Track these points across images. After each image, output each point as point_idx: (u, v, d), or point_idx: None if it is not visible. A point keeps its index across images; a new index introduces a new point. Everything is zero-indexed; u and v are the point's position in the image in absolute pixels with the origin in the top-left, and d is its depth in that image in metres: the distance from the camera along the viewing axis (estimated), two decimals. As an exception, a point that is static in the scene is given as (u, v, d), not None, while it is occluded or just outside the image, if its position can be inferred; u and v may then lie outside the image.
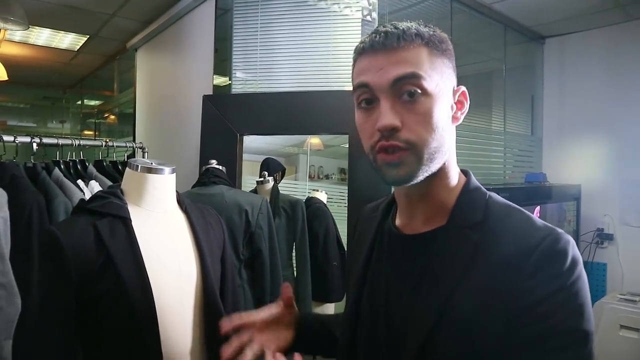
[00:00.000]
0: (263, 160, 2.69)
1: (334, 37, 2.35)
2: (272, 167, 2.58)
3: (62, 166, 1.97)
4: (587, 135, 3.35)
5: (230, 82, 2.51)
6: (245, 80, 2.52)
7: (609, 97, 3.24)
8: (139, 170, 1.11)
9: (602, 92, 3.28)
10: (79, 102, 7.15)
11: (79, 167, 2.04)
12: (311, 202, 2.54)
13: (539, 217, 2.47)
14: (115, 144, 2.18)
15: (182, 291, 1.08)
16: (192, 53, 2.86)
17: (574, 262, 0.65)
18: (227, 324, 0.87)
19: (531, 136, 3.60)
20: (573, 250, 0.66)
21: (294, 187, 3.28)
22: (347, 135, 2.18)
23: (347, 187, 2.17)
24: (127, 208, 1.07)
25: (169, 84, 3.14)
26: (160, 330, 1.02)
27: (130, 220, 1.05)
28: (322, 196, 2.74)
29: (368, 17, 2.32)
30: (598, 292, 3.22)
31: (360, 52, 0.74)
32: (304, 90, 2.26)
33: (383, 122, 0.69)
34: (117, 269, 0.99)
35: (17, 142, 1.84)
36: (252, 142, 2.49)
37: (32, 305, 1.58)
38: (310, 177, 3.88)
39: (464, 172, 0.80)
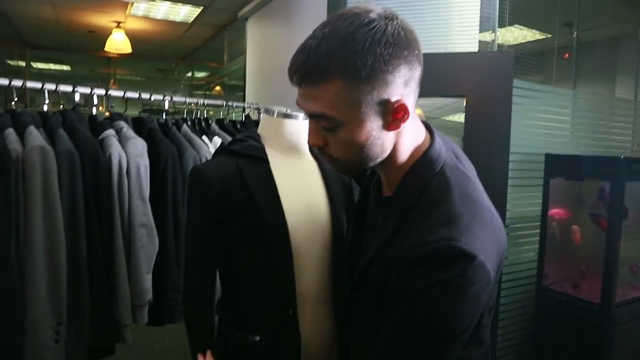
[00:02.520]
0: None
1: (450, -2, 2.26)
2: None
3: (188, 123, 2.13)
4: None
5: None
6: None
7: None
8: (275, 116, 1.16)
9: None
10: (189, 74, 7.62)
11: (203, 124, 2.18)
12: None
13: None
14: (234, 104, 2.29)
15: (314, 231, 1.12)
16: (303, 21, 2.91)
17: (442, 269, 0.68)
18: None
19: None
20: (448, 260, 0.68)
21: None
22: (464, 97, 2.10)
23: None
24: (265, 150, 1.12)
25: (280, 50, 3.22)
26: (294, 266, 1.07)
27: (269, 162, 1.10)
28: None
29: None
30: None
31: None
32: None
33: (308, 140, 0.79)
34: (256, 205, 1.05)
35: (152, 99, 2.00)
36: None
37: (168, 245, 1.74)
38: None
39: (431, 134, 0.83)
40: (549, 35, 3.57)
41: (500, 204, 1.99)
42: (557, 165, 2.32)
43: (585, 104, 2.69)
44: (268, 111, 1.18)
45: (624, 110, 2.99)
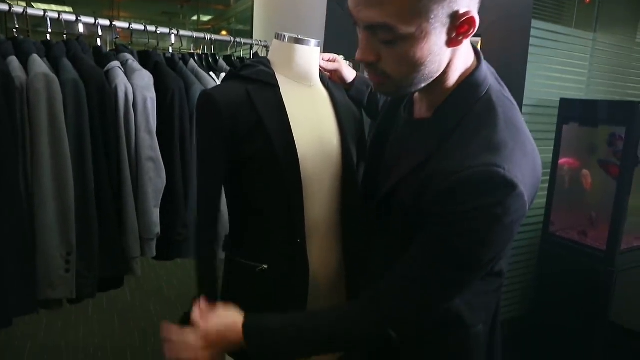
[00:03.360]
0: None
1: None
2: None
3: (196, 59, 2.07)
4: None
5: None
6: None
7: None
8: (286, 41, 1.11)
9: None
10: (195, 18, 7.42)
11: (210, 60, 2.12)
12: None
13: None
14: (242, 41, 2.22)
15: (324, 161, 1.10)
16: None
17: (480, 195, 0.66)
18: None
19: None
20: (487, 187, 0.66)
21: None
22: (479, 38, 2.03)
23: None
24: (275, 76, 1.09)
25: (289, -12, 3.10)
26: (303, 195, 1.06)
27: (279, 88, 1.07)
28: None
29: None
30: None
31: None
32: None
33: (357, 55, 0.72)
34: (266, 130, 1.03)
35: (158, 32, 1.94)
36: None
37: (176, 180, 1.74)
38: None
39: (477, 56, 0.78)
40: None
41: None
42: (571, 111, 2.27)
43: (605, 49, 2.59)
44: (279, 36, 1.13)
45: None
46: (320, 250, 1.12)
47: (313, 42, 1.13)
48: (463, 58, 0.76)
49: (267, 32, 3.52)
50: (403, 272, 0.76)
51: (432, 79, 0.74)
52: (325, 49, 2.28)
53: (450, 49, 0.71)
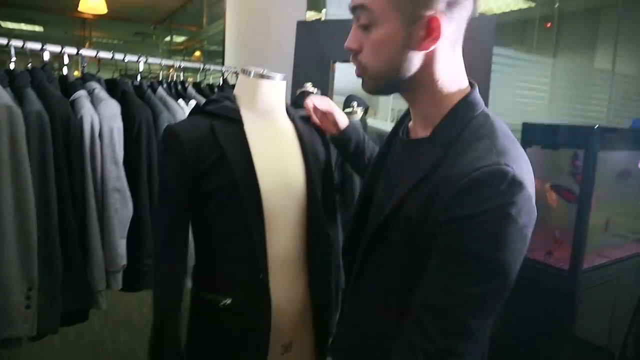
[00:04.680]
0: (348, 96, 2.66)
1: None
2: (358, 101, 2.54)
3: (164, 86, 2.07)
4: None
5: (321, 17, 2.47)
6: (338, 14, 2.48)
7: None
8: (251, 76, 1.13)
9: None
10: (168, 39, 7.41)
11: (179, 87, 2.12)
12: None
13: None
14: (211, 68, 2.23)
15: (288, 195, 1.12)
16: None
17: (494, 194, 0.66)
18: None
19: (643, 79, 3.26)
20: (500, 185, 0.66)
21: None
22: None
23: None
24: (239, 111, 1.10)
25: (261, 13, 3.13)
26: (266, 230, 1.07)
27: (243, 123, 1.08)
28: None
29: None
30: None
31: None
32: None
33: (345, 44, 0.79)
34: (229, 166, 1.04)
35: (126, 60, 1.93)
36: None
37: (142, 210, 1.72)
38: (391, 120, 3.83)
39: (472, 84, 0.82)
40: (533, 5, 3.55)
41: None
42: (533, 134, 2.34)
43: (565, 73, 2.70)
44: (244, 71, 1.15)
45: (602, 81, 3.03)
46: (285, 284, 1.12)
47: (278, 76, 1.15)
48: (451, 73, 0.79)
49: (239, 54, 3.54)
50: (425, 301, 0.71)
51: (405, 77, 0.77)
52: (294, 73, 2.31)
53: (422, 53, 0.75)
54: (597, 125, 2.18)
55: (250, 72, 1.13)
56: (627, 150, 2.46)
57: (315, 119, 1.27)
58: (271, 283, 1.08)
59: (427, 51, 0.75)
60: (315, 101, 1.25)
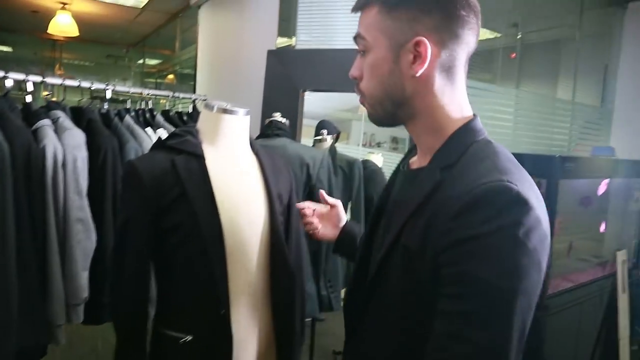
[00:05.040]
0: (319, 122, 2.69)
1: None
2: (329, 127, 2.58)
3: (132, 114, 2.05)
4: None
5: (292, 43, 2.52)
6: (308, 41, 2.53)
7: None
8: (214, 111, 1.14)
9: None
10: (141, 61, 7.37)
11: (147, 115, 2.11)
12: (367, 164, 2.53)
13: (604, 192, 2.36)
14: (180, 95, 2.23)
15: (250, 230, 1.11)
16: (256, 9, 2.87)
17: (498, 213, 0.62)
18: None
19: (600, 108, 3.40)
20: (505, 202, 0.62)
21: (347, 153, 3.28)
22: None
23: (399, 156, 2.14)
24: (201, 147, 1.10)
25: (232, 40, 3.17)
26: (227, 266, 1.06)
27: (204, 159, 1.08)
28: (378, 159, 2.72)
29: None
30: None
31: None
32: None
33: (350, 71, 0.81)
34: (190, 202, 1.03)
35: (92, 87, 1.92)
36: (306, 105, 2.49)
37: (107, 241, 1.68)
38: (363, 144, 3.87)
39: (474, 115, 0.81)
40: (498, 35, 3.68)
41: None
42: (498, 163, 2.40)
43: (527, 103, 2.79)
44: (208, 106, 1.15)
45: (564, 111, 3.14)
46: (247, 319, 1.11)
47: (242, 111, 1.16)
48: (450, 101, 0.77)
49: (210, 81, 3.56)
50: (437, 356, 0.65)
51: (398, 101, 0.77)
52: (264, 102, 2.33)
53: (414, 77, 0.75)
54: (558, 155, 2.25)
55: (213, 107, 1.14)
56: (587, 178, 2.54)
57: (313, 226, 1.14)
58: (233, 318, 1.07)
59: (417, 75, 0.74)
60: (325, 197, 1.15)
